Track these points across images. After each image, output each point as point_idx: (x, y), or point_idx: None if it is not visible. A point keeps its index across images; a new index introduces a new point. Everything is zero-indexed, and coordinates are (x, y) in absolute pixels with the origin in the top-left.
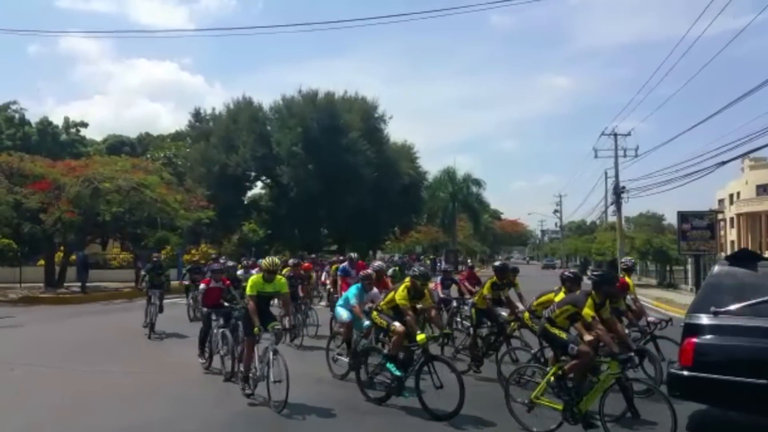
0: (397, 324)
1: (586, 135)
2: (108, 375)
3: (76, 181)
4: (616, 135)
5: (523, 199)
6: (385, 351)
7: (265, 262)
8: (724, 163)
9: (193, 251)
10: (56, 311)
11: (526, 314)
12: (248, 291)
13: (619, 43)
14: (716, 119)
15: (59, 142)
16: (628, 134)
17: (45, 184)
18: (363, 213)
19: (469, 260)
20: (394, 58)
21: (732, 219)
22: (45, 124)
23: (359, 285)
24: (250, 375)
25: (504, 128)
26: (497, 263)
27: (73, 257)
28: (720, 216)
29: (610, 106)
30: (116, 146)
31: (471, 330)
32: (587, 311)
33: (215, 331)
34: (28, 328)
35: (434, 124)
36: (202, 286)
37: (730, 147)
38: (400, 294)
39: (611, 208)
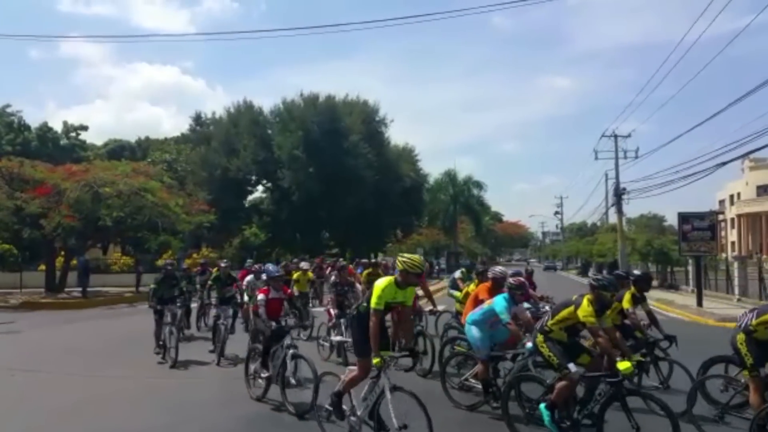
0: (572, 367)
1: (588, 136)
2: (109, 380)
3: (76, 185)
4: (616, 137)
5: (524, 200)
6: (548, 381)
7: (411, 261)
8: (724, 163)
9: (194, 255)
10: (57, 316)
11: (741, 336)
12: (375, 303)
13: (620, 44)
14: (716, 120)
15: (59, 147)
16: (628, 136)
17: (45, 189)
18: (364, 215)
19: (527, 264)
20: (396, 60)
21: (733, 220)
22: (45, 129)
23: (506, 295)
24: (348, 412)
25: (505, 130)
26: (637, 272)
27: (74, 262)
28: (721, 217)
29: (612, 107)
30: (116, 150)
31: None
32: None
33: (287, 355)
34: (29, 333)
35: (435, 126)
36: (260, 296)
37: (731, 148)
38: (585, 310)
39: (612, 210)
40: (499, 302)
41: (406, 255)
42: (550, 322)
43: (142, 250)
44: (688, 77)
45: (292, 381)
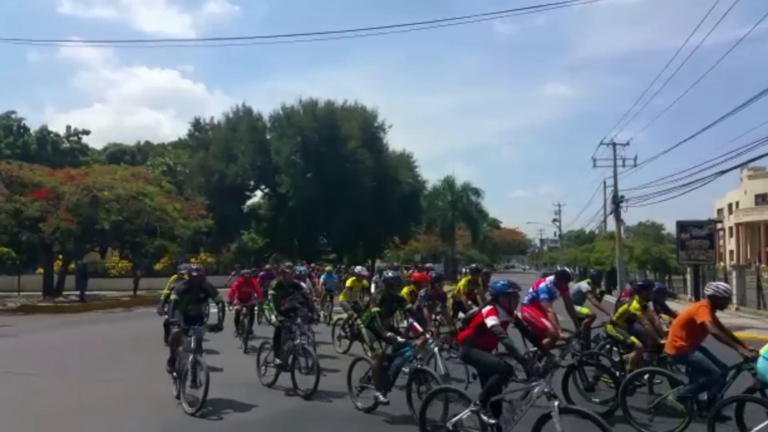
0: None
1: (587, 144)
2: (105, 384)
3: (75, 189)
4: (614, 144)
5: (522, 207)
6: None
7: None
8: (723, 172)
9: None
10: (54, 320)
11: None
12: None
13: (619, 52)
14: (715, 129)
15: (59, 151)
16: (627, 144)
17: (44, 192)
18: (362, 221)
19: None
20: (395, 67)
21: (731, 228)
22: (44, 133)
23: None
24: None
25: (503, 137)
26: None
27: (72, 266)
28: (719, 225)
29: (611, 114)
30: (116, 155)
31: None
32: None
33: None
34: (26, 336)
35: (434, 132)
36: (493, 320)
37: (729, 156)
38: None
39: (610, 218)
40: None
41: None
42: None
43: (139, 254)
44: (687, 86)
45: None
